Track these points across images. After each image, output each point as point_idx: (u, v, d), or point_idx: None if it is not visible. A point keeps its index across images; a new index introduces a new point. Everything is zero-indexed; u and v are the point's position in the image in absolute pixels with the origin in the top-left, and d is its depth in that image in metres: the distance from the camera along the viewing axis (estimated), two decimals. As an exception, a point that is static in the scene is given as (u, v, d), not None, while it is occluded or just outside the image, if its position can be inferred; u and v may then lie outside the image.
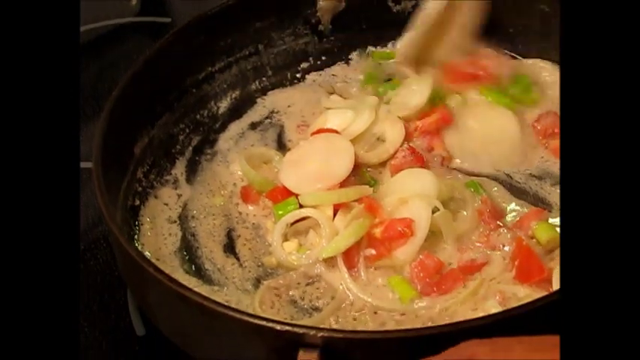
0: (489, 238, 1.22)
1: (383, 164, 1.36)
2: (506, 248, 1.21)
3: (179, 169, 1.43)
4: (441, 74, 1.46)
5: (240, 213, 1.34)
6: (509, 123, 1.39)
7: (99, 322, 1.27)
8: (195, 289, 1.08)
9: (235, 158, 1.42)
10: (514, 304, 1.12)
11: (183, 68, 1.48)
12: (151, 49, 1.42)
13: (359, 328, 1.13)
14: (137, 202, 1.34)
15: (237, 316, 1.00)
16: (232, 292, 1.21)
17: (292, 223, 1.26)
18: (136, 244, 1.27)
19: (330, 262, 1.21)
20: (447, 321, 1.11)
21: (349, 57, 1.62)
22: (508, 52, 1.55)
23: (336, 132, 1.37)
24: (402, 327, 1.12)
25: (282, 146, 1.46)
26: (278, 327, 0.97)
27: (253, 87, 1.58)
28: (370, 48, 1.62)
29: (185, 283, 1.11)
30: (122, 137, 1.32)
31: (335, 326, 1.14)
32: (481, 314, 1.11)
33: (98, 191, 1.17)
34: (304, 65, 1.61)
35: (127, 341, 1.25)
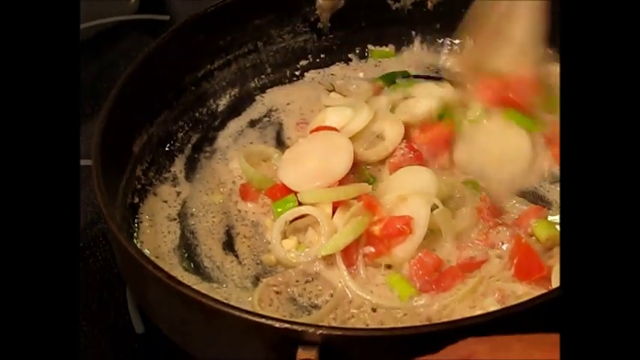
0: (488, 236, 1.22)
1: (382, 162, 1.36)
2: (505, 246, 1.21)
3: (178, 167, 1.43)
4: (477, 89, 1.37)
5: (239, 211, 1.34)
6: (523, 143, 1.33)
7: (98, 320, 1.27)
8: (195, 287, 1.07)
9: (234, 156, 1.42)
10: (513, 301, 1.12)
11: (182, 66, 1.48)
12: (149, 47, 1.42)
13: (358, 326, 1.13)
14: (136, 200, 1.34)
15: (237, 313, 1.00)
16: (231, 289, 1.21)
17: (291, 221, 1.26)
18: (135, 242, 1.27)
19: (329, 259, 1.21)
20: (445, 319, 1.11)
21: (348, 55, 1.62)
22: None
23: (336, 130, 1.37)
24: (401, 325, 1.12)
25: (281, 144, 1.46)
26: (277, 324, 0.97)
27: (252, 85, 1.58)
28: (369, 46, 1.62)
29: (184, 280, 1.11)
30: (121, 135, 1.32)
31: (334, 324, 1.14)
32: (480, 312, 1.10)
33: (97, 189, 1.16)
34: (303, 63, 1.61)
35: (126, 339, 1.24)
